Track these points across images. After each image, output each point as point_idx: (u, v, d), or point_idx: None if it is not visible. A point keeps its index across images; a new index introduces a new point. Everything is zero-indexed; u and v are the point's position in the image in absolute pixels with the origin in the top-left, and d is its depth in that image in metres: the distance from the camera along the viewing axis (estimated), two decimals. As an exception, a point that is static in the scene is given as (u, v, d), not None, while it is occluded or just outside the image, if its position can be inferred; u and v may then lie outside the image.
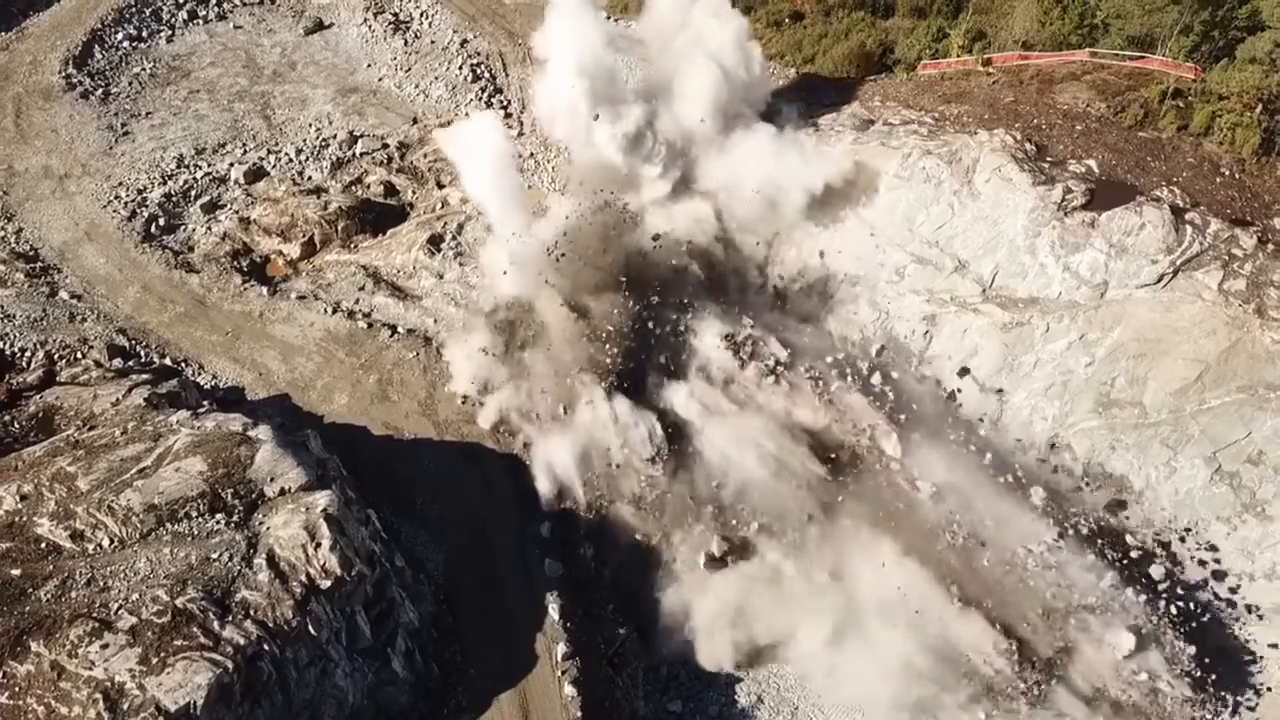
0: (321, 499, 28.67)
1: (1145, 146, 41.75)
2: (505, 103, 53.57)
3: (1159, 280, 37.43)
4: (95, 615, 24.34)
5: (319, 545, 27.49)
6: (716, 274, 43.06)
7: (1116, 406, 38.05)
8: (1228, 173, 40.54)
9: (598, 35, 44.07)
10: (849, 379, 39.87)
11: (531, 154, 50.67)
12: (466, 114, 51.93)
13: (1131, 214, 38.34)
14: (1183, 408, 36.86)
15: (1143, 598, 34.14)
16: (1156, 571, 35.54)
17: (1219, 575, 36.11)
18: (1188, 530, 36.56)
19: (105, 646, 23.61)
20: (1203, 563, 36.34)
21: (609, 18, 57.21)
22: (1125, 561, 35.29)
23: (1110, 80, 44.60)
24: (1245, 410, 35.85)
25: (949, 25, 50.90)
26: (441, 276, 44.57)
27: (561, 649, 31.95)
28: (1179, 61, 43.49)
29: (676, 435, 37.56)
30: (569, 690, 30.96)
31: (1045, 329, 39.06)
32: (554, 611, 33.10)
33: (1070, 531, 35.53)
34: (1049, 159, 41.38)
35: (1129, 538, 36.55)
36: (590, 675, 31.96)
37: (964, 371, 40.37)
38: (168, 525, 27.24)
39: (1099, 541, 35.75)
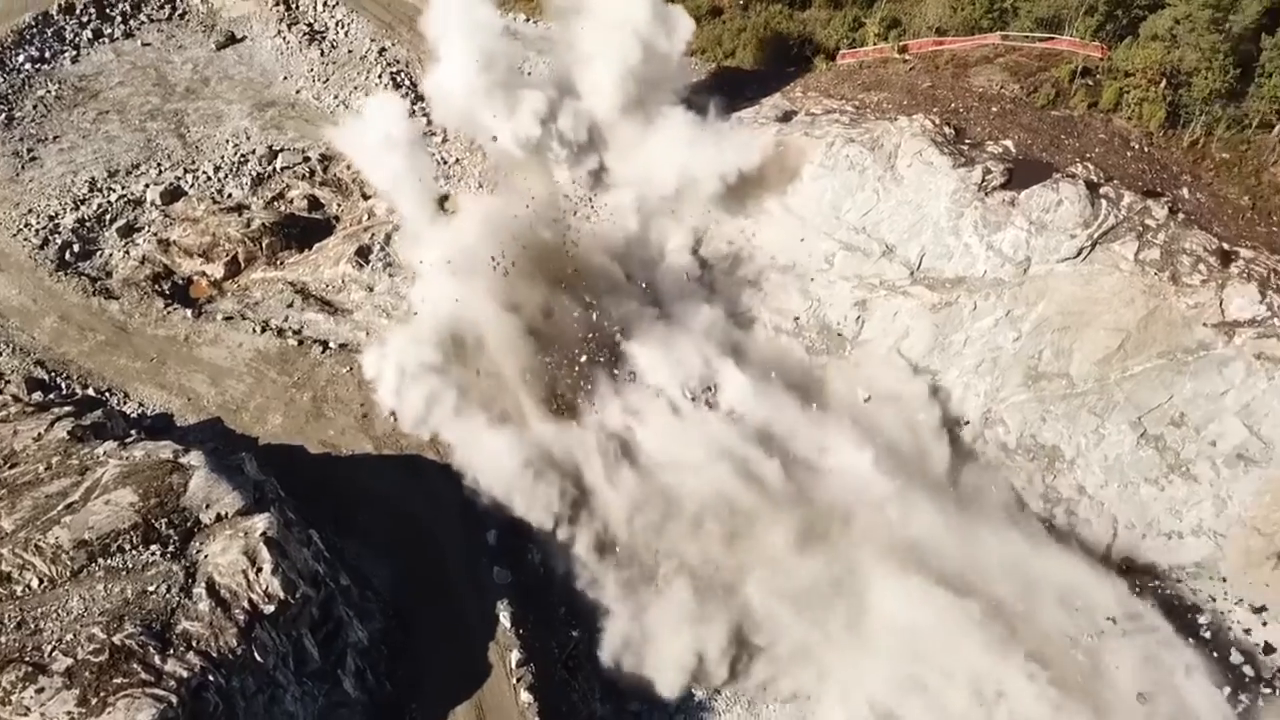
0: (260, 522, 28.09)
1: (1058, 125, 42.86)
2: (428, 109, 52.95)
3: (1078, 254, 38.46)
4: (28, 659, 23.55)
5: (260, 570, 26.94)
6: (642, 272, 43.04)
7: (1045, 379, 39.07)
8: (1137, 146, 41.83)
9: (488, 15, 42.75)
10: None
11: (457, 159, 50.18)
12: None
13: (1049, 191, 39.33)
14: (1107, 376, 38.00)
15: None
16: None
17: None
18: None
19: (40, 690, 22.88)
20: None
21: (528, 20, 56.91)
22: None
23: (1022, 62, 45.68)
24: (1165, 375, 37.09)
25: (865, 14, 51.59)
26: (372, 289, 43.92)
27: (515, 656, 31.79)
28: (1086, 41, 44.69)
29: (618, 445, 37.58)
30: (525, 697, 30.84)
31: (973, 307, 39.91)
32: (505, 619, 32.90)
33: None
34: (967, 141, 42.24)
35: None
36: (546, 680, 31.88)
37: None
38: (100, 560, 26.44)
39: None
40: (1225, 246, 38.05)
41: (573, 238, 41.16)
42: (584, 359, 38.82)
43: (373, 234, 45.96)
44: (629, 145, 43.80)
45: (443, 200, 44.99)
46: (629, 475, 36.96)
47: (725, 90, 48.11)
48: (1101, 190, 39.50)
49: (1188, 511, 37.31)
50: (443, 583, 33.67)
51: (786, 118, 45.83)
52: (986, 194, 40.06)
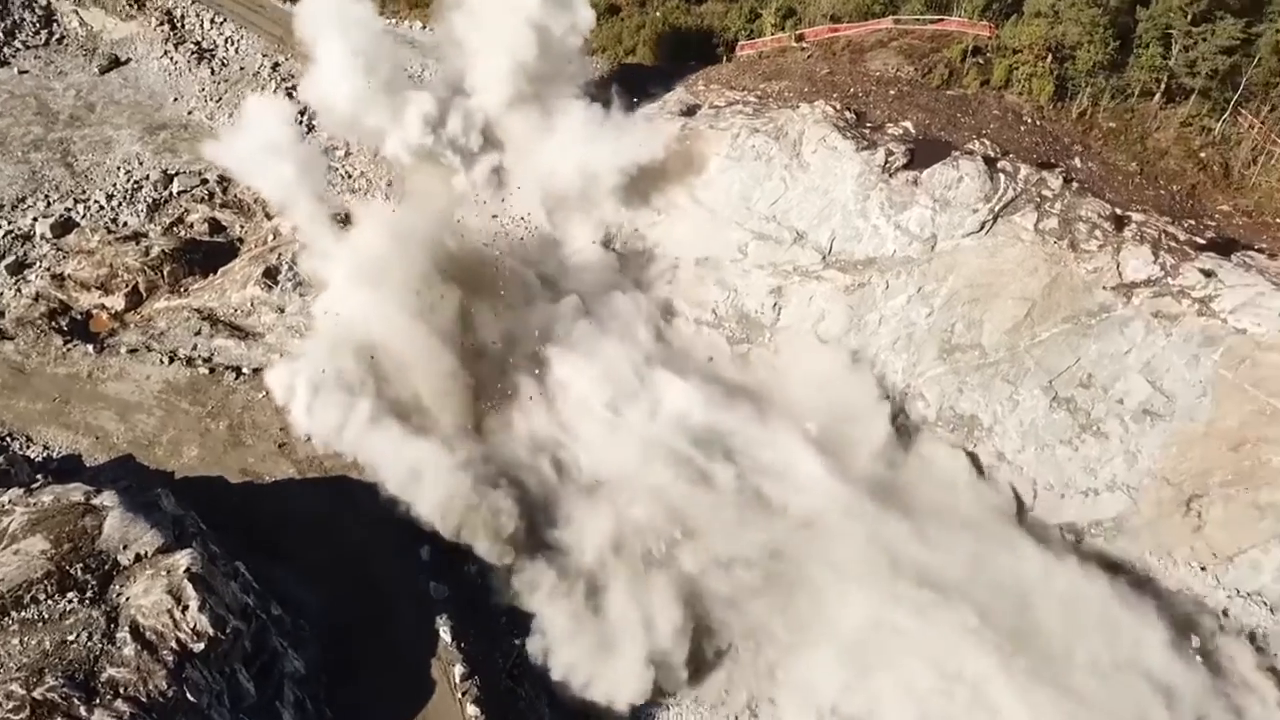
0: (182, 559, 27.23)
1: (954, 104, 44.03)
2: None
3: (981, 228, 39.56)
4: (-58, 723, 22.41)
5: (186, 608, 26.11)
6: (558, 272, 42.85)
7: (959, 351, 40.09)
8: (1029, 120, 43.21)
9: (363, 13, 41.24)
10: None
11: (362, 173, 49.30)
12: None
13: (949, 169, 40.35)
14: (1017, 344, 39.16)
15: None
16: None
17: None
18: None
19: (-41, 755, 21.80)
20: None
21: (424, 27, 56.16)
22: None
23: (915, 44, 46.81)
24: (1072, 339, 38.38)
25: (761, 5, 52.29)
26: (283, 310, 42.88)
27: (459, 670, 31.45)
28: (974, 21, 46.00)
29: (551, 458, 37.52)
30: (472, 710, 30.56)
31: (885, 287, 40.75)
32: (446, 634, 32.51)
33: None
34: (869, 124, 43.10)
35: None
36: (491, 692, 31.60)
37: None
38: (14, 614, 25.28)
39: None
40: (1118, 212, 39.54)
41: (481, 241, 40.53)
42: (505, 367, 38.45)
43: (279, 254, 44.87)
44: (527, 142, 43.08)
45: (346, 215, 43.92)
46: (561, 483, 36.80)
47: (628, 87, 48.21)
48: (999, 165, 40.68)
49: (1101, 469, 38.60)
50: (379, 603, 33.06)
51: (690, 111, 46.13)
52: (890, 175, 40.93)
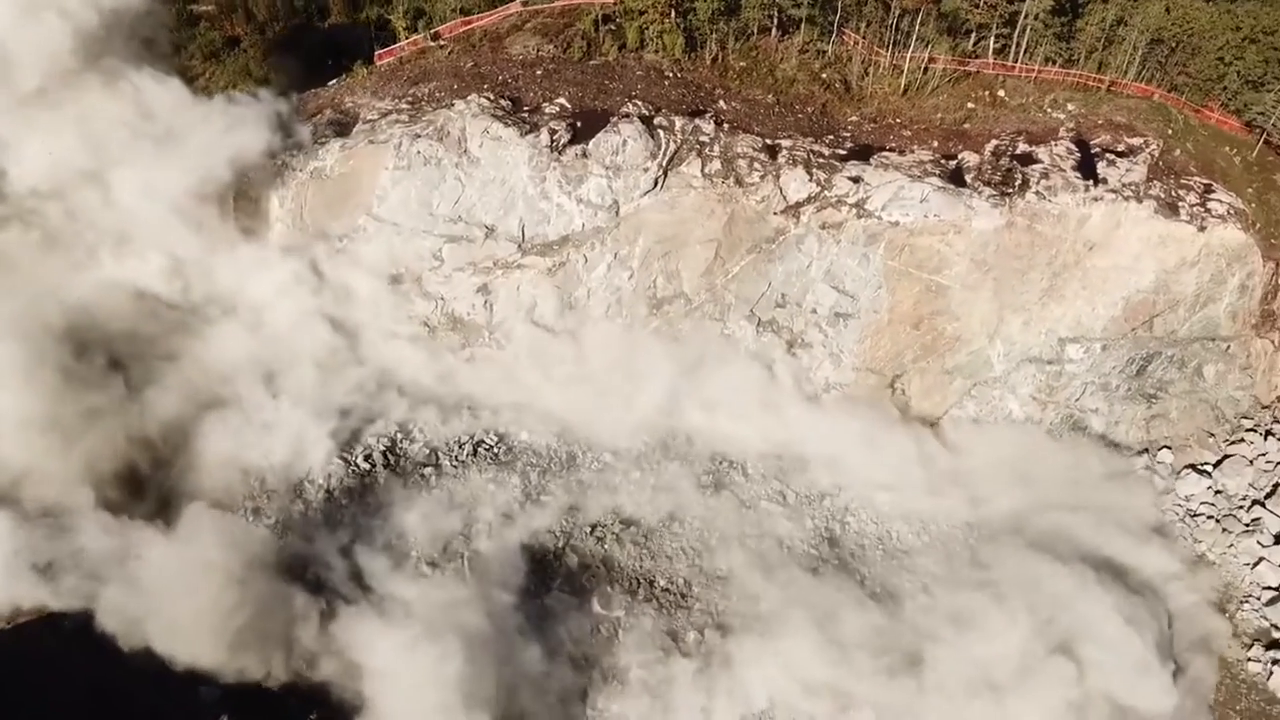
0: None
1: (600, 72, 45.53)
2: None
3: (655, 185, 41.39)
4: None
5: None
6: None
7: (666, 303, 41.99)
8: (671, 75, 45.59)
9: None
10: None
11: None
12: None
13: (612, 135, 41.77)
14: (714, 284, 41.65)
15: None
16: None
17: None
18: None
19: None
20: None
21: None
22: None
23: (548, 23, 47.80)
24: (760, 266, 41.35)
25: (387, 11, 51.14)
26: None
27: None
28: (594, -11, 47.67)
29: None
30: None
31: (584, 261, 41.74)
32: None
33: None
34: (526, 108, 43.63)
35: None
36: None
37: None
38: None
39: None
40: (769, 142, 42.77)
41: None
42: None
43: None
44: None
45: None
46: None
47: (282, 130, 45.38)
48: (655, 122, 42.65)
49: (815, 374, 42.08)
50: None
51: (344, 131, 44.42)
52: (559, 153, 41.73)
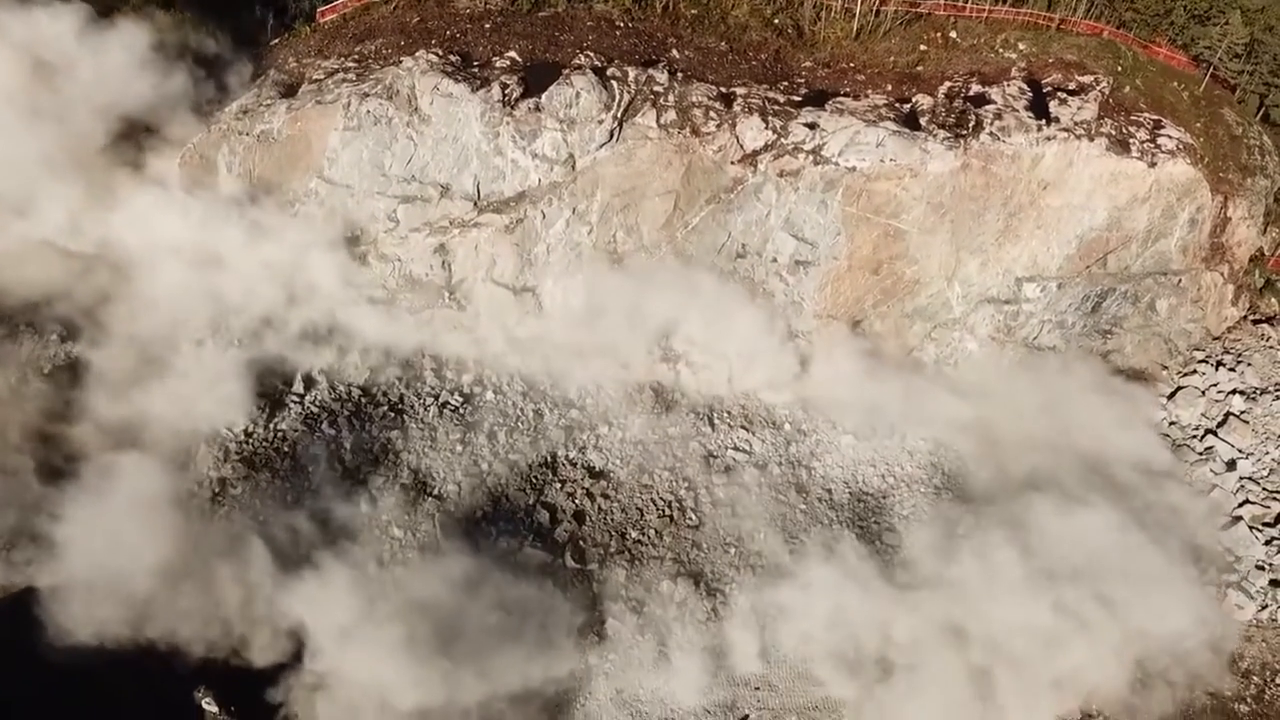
0: None
1: (550, 24, 44.71)
2: None
3: (611, 137, 40.90)
4: None
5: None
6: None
7: (627, 258, 41.74)
8: (622, 25, 44.91)
9: None
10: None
11: None
12: None
13: (565, 87, 41.09)
14: (675, 236, 41.49)
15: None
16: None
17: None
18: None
19: None
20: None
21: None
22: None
23: (493, -26, 46.71)
24: (719, 216, 41.25)
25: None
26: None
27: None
28: (538, -61, 46.61)
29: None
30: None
31: (542, 217, 41.27)
32: (210, 705, 30.06)
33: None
34: (476, 63, 42.77)
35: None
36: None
37: None
38: None
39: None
40: (723, 90, 42.37)
41: None
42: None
43: None
44: None
45: None
46: None
47: (210, 80, 44.08)
48: (608, 73, 42.04)
49: (776, 324, 42.24)
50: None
51: (291, 92, 43.27)
52: (512, 107, 41.01)
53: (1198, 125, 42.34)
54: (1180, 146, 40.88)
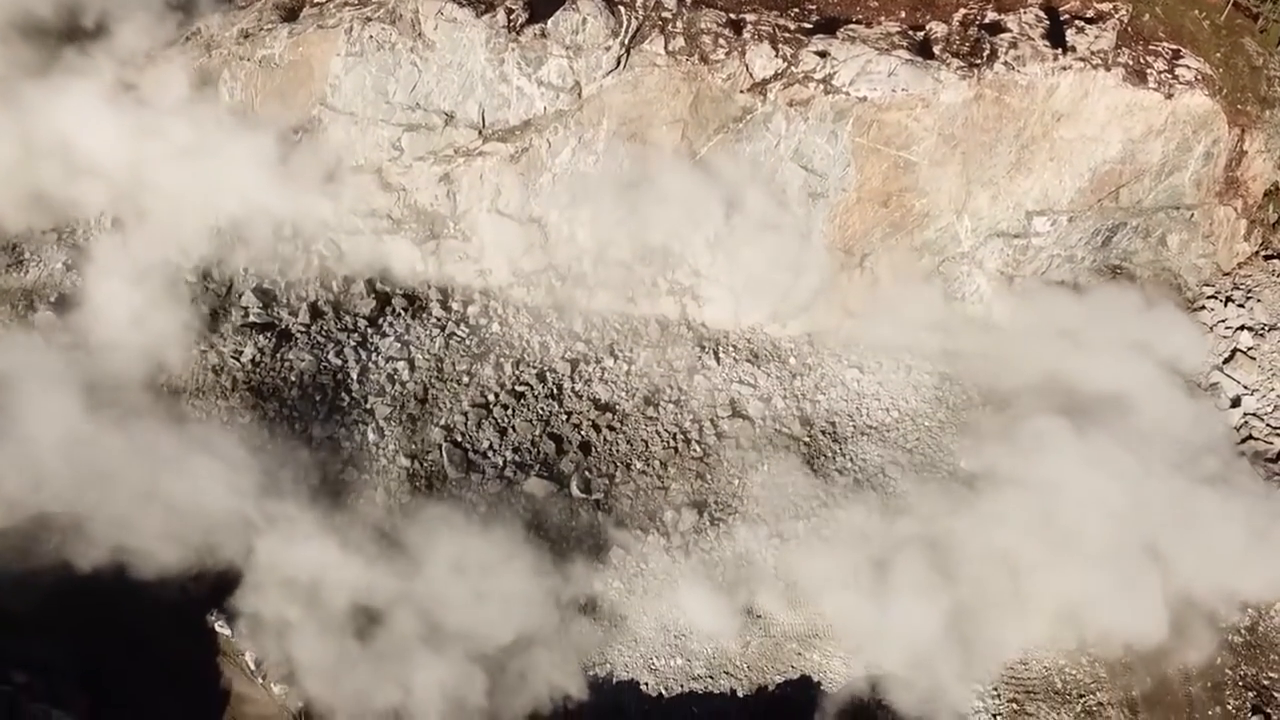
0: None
1: (555, -53, 43.65)
2: None
3: (618, 64, 40.22)
4: None
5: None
6: None
7: (633, 189, 41.33)
8: (630, -52, 43.78)
9: None
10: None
11: None
12: None
13: (571, 13, 40.26)
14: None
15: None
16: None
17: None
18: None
19: None
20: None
21: None
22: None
23: (499, -106, 45.45)
24: (728, 147, 40.67)
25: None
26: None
27: (250, 657, 29.94)
28: None
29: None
30: (279, 689, 29.38)
31: (548, 146, 40.81)
32: (222, 628, 30.72)
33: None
34: (479, -13, 41.90)
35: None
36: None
37: None
38: None
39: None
40: (732, 16, 41.44)
41: None
42: None
43: None
44: None
45: None
46: None
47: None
48: (616, -2, 41.24)
49: (783, 256, 41.98)
50: (138, 626, 30.43)
51: (292, 16, 42.54)
52: (517, 33, 40.31)
53: (1217, 56, 41.42)
54: (1198, 77, 40.05)
